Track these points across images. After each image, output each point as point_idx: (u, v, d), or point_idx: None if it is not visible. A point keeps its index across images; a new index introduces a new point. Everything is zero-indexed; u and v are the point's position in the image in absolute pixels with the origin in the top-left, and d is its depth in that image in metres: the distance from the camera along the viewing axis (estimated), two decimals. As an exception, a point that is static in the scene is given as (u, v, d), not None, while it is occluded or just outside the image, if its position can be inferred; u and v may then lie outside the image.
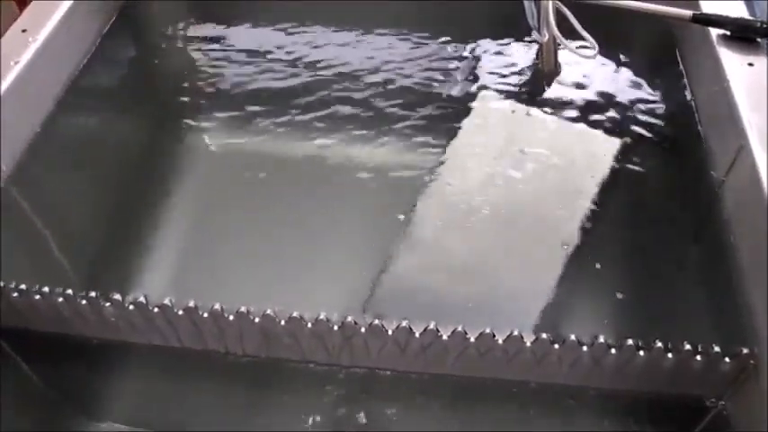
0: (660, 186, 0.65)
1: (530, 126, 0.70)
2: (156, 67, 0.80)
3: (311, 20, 0.81)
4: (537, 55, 0.75)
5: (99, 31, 0.75)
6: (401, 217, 0.62)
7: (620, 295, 0.58)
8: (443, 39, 0.79)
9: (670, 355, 0.47)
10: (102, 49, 0.74)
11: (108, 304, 0.51)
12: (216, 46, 0.80)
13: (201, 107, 0.74)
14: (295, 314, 0.49)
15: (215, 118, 0.73)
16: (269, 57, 0.78)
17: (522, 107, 0.72)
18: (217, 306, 0.49)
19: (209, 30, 0.82)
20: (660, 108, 0.70)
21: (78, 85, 0.70)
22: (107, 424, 0.53)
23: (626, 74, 0.74)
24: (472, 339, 0.48)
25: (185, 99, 0.76)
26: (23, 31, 0.65)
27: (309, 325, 0.49)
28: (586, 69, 0.74)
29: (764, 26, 0.61)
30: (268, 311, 0.49)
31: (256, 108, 0.73)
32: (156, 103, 0.77)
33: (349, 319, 0.49)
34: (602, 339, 0.47)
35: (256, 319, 0.50)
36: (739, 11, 0.64)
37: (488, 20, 0.79)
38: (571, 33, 0.69)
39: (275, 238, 0.62)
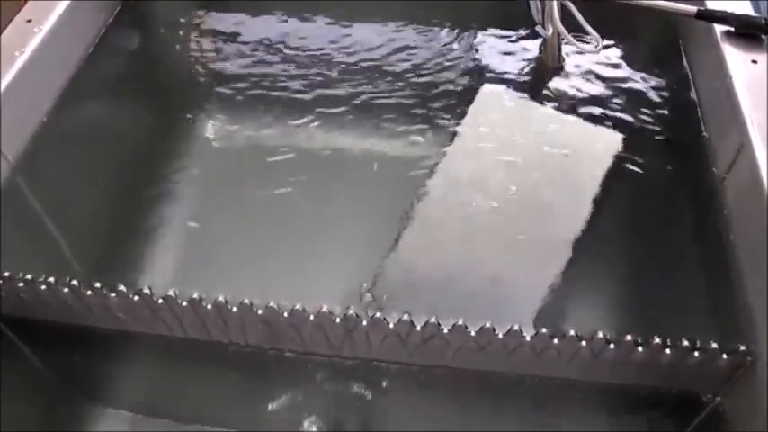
0: (661, 182, 0.65)
1: (532, 120, 0.70)
2: (161, 57, 0.80)
3: (317, 11, 0.81)
4: (540, 49, 0.75)
5: (104, 21, 0.75)
6: (403, 210, 0.63)
7: (619, 290, 0.58)
8: (448, 32, 0.79)
9: (668, 350, 0.47)
10: (107, 39, 0.74)
11: (113, 295, 0.51)
12: (220, 37, 0.80)
13: (206, 98, 0.74)
14: (297, 306, 0.50)
15: (220, 109, 0.73)
16: (273, 48, 0.78)
17: (525, 101, 0.72)
18: (220, 298, 0.50)
19: (214, 20, 0.82)
20: (663, 104, 0.70)
21: (83, 75, 0.70)
22: (114, 411, 0.54)
23: (629, 69, 0.73)
24: (472, 333, 0.48)
25: (190, 90, 0.76)
26: (28, 21, 0.65)
27: (311, 317, 0.50)
28: (590, 64, 0.74)
29: (769, 23, 0.61)
30: (271, 303, 0.50)
31: (261, 99, 0.73)
32: (161, 93, 0.77)
33: (351, 311, 0.49)
34: (600, 334, 0.47)
35: (259, 311, 0.50)
36: (744, 8, 0.64)
37: (492, 13, 0.79)
38: (575, 28, 0.69)
39: (278, 231, 0.62)
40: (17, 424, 0.51)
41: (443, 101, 0.72)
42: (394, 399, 0.54)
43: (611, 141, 0.68)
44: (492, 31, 0.78)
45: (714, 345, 0.47)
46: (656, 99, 0.71)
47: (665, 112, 0.69)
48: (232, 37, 0.80)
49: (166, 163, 0.68)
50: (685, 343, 0.47)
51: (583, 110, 0.70)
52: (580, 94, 0.72)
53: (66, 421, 0.54)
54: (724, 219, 0.56)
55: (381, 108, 0.72)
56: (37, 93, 0.65)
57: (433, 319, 0.49)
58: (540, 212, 0.63)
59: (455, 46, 0.77)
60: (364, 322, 0.50)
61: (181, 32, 0.80)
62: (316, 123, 0.71)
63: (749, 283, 0.51)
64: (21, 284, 0.52)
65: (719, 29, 0.63)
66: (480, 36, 0.78)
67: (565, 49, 0.74)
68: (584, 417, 0.53)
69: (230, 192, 0.66)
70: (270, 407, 0.55)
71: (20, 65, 0.61)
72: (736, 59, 0.60)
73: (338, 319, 0.50)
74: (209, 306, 0.50)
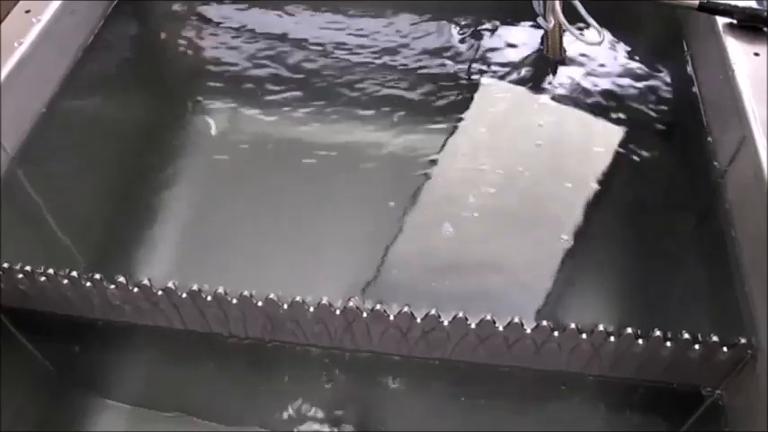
0: (662, 175, 0.65)
1: (533, 112, 0.70)
2: (159, 48, 0.80)
3: (316, 5, 0.81)
4: (542, 41, 0.75)
5: (103, 11, 0.75)
6: (403, 203, 0.63)
7: (619, 284, 0.58)
8: (448, 25, 0.78)
9: (668, 344, 0.47)
10: (106, 29, 0.74)
11: (112, 287, 0.51)
12: (219, 27, 0.79)
13: (204, 90, 0.74)
14: (298, 299, 0.50)
15: (218, 100, 0.73)
16: (271, 40, 0.78)
17: (526, 93, 0.72)
18: (220, 290, 0.50)
19: (213, 10, 0.81)
20: (665, 96, 0.70)
21: (82, 65, 0.70)
22: (112, 402, 0.54)
23: (631, 61, 0.73)
24: (473, 326, 0.48)
25: (188, 80, 0.76)
26: (27, 11, 0.65)
27: (312, 309, 0.50)
28: (592, 56, 0.74)
29: (772, 15, 0.60)
30: (271, 296, 0.49)
31: (259, 90, 0.73)
32: (160, 84, 0.77)
33: (351, 304, 0.49)
34: (601, 327, 0.47)
35: (259, 303, 0.50)
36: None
37: (494, 5, 0.78)
38: (577, 20, 0.68)
39: (279, 223, 0.62)
40: (16, 415, 0.51)
41: (444, 93, 0.72)
42: (394, 391, 0.54)
43: (612, 134, 0.68)
44: (493, 23, 0.78)
45: (715, 338, 0.47)
46: (658, 91, 0.70)
47: (667, 104, 0.69)
48: (230, 29, 0.79)
49: (165, 154, 0.68)
50: (686, 336, 0.47)
51: (584, 102, 0.70)
52: (581, 87, 0.71)
53: (65, 412, 0.54)
54: (725, 212, 0.56)
55: (382, 102, 0.72)
56: (36, 83, 0.64)
57: (433, 312, 0.48)
58: (541, 205, 0.63)
59: (456, 38, 0.77)
60: (364, 315, 0.50)
61: (180, 22, 0.80)
62: (315, 117, 0.71)
63: (750, 277, 0.51)
64: (20, 276, 0.52)
65: (722, 21, 0.62)
66: (481, 28, 0.78)
67: (566, 41, 0.73)
68: (584, 410, 0.53)
69: (230, 184, 0.66)
70: (269, 399, 0.54)
71: (18, 56, 0.61)
72: (739, 52, 0.60)
73: (338, 312, 0.50)
74: (209, 298, 0.50)
